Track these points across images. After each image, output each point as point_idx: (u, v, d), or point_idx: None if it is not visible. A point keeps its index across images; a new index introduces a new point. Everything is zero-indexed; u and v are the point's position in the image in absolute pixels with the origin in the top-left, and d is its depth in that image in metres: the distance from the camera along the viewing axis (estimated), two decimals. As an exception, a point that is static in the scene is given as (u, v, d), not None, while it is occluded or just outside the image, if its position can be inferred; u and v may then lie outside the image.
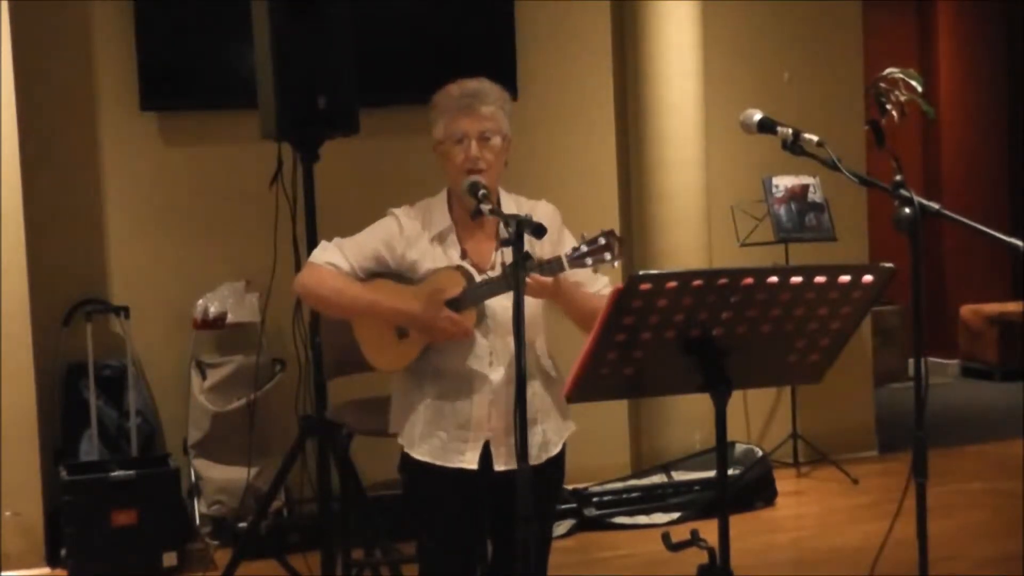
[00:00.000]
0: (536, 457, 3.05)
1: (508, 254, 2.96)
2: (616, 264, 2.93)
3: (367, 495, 4.57)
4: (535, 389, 3.10)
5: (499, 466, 3.09)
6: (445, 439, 3.10)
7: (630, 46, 6.45)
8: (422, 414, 3.14)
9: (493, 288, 3.01)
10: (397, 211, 3.18)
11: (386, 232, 3.14)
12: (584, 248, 2.90)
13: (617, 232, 2.91)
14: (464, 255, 3.12)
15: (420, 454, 3.14)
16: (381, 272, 3.14)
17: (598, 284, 3.12)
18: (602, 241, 2.89)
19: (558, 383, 3.16)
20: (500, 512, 3.13)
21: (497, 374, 3.07)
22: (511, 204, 3.14)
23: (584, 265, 2.90)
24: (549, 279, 2.91)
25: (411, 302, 3.05)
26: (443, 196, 3.18)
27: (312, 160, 4.32)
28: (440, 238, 3.13)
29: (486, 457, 3.10)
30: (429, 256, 3.11)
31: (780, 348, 2.70)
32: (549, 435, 3.15)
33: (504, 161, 3.14)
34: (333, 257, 3.13)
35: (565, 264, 2.91)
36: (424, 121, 3.16)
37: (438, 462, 3.11)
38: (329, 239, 3.21)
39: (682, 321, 2.56)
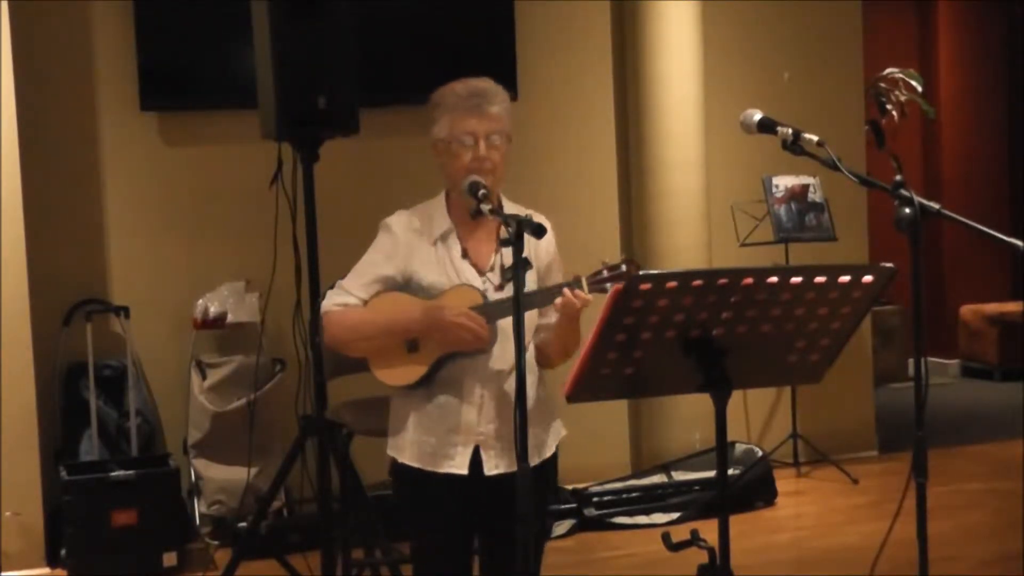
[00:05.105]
0: (530, 459, 3.03)
1: (508, 255, 2.93)
2: None
3: (367, 495, 4.57)
4: (529, 392, 3.04)
5: (489, 470, 3.06)
6: (435, 444, 3.07)
7: (630, 46, 6.45)
8: (412, 419, 3.11)
9: (508, 307, 2.96)
10: (390, 220, 3.14)
11: (383, 249, 3.11)
12: (605, 273, 2.90)
13: (636, 260, 2.91)
14: (464, 255, 3.10)
15: (409, 459, 3.11)
16: (390, 289, 3.10)
17: None
18: (623, 268, 2.90)
19: (549, 386, 3.15)
20: (493, 513, 3.11)
21: (488, 378, 3.05)
22: (512, 211, 3.12)
23: (604, 290, 2.88)
24: (590, 297, 2.89)
25: (435, 306, 3.00)
26: (441, 198, 3.16)
27: (312, 160, 4.31)
28: (441, 239, 3.10)
29: (477, 462, 3.07)
30: (431, 260, 3.08)
31: (780, 348, 2.70)
32: (543, 437, 3.14)
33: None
34: (339, 298, 3.09)
35: (584, 285, 2.91)
36: (424, 121, 3.14)
37: (427, 467, 3.08)
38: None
39: (682, 321, 2.56)
